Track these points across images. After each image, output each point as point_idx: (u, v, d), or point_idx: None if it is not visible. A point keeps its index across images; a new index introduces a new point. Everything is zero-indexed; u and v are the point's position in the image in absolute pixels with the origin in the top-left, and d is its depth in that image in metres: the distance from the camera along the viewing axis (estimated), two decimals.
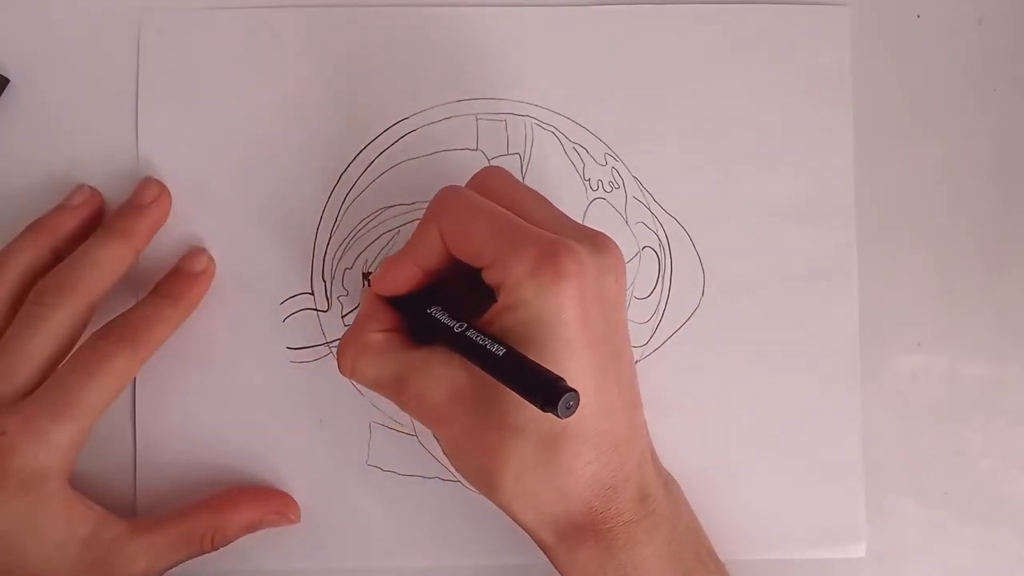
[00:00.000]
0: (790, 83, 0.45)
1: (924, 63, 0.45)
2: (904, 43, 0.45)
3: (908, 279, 0.45)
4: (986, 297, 0.45)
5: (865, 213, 0.45)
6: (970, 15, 0.45)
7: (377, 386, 0.38)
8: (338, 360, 0.39)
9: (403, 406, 0.38)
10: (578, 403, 0.32)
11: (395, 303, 0.39)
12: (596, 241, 0.37)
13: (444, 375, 0.37)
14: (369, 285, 0.40)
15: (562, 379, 0.33)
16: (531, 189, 0.39)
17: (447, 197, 0.38)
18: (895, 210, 0.45)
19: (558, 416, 0.32)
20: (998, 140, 0.45)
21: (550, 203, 0.39)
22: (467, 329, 0.36)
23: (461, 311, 0.37)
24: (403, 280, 0.39)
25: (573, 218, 0.39)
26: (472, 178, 0.40)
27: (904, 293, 0.45)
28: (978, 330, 0.45)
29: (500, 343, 0.35)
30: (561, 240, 0.35)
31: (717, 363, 0.44)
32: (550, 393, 0.32)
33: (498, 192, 0.38)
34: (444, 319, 0.37)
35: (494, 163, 0.44)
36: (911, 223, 0.45)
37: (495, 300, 0.36)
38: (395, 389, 0.38)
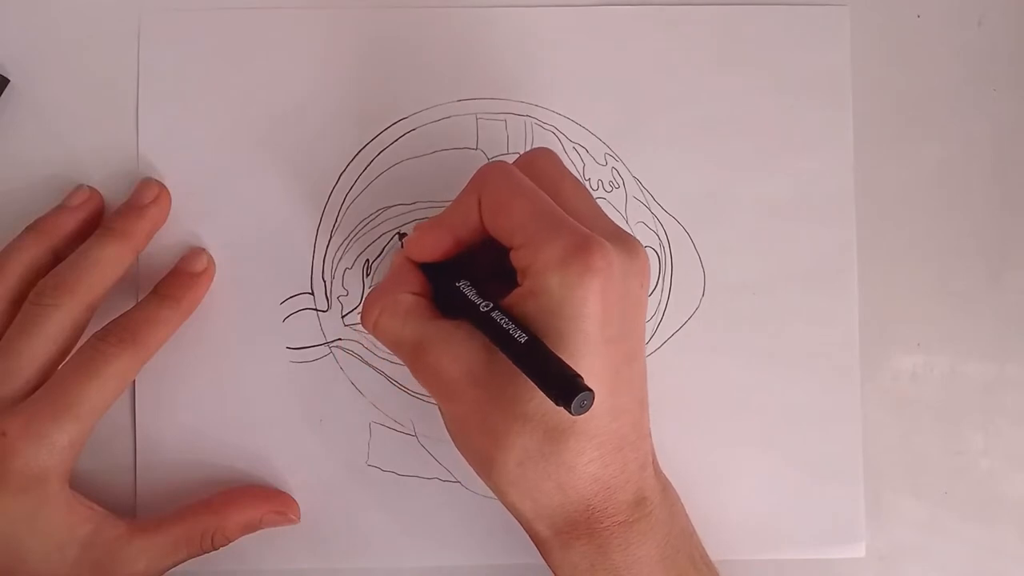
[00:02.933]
0: (790, 83, 0.45)
1: (924, 63, 0.45)
2: (904, 43, 0.45)
3: (908, 279, 0.45)
4: (986, 297, 0.45)
5: (865, 213, 0.45)
6: (970, 15, 0.45)
7: (396, 346, 0.38)
8: (363, 313, 0.38)
9: (415, 373, 0.38)
10: (592, 402, 0.32)
11: (424, 269, 0.39)
12: (627, 243, 0.37)
13: (463, 352, 0.36)
14: (403, 246, 0.40)
15: (580, 377, 0.33)
16: (576, 179, 0.39)
17: (492, 171, 0.38)
18: (895, 210, 0.45)
19: (571, 413, 0.32)
20: (998, 140, 0.45)
21: (591, 196, 0.39)
22: (493, 310, 0.36)
23: (486, 290, 0.37)
24: (435, 246, 0.38)
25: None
26: (522, 156, 0.40)
27: (904, 293, 0.45)
28: (978, 330, 0.45)
29: (524, 330, 0.35)
30: (594, 236, 0.35)
31: (717, 363, 0.44)
32: (567, 388, 0.32)
33: (542, 175, 0.38)
34: (472, 295, 0.37)
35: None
36: (911, 223, 0.45)
37: (516, 287, 0.36)
38: (412, 354, 0.38)
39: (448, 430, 0.39)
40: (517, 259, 0.36)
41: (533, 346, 0.34)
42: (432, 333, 0.37)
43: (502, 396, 0.36)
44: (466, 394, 0.36)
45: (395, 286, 0.39)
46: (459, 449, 0.38)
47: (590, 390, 0.32)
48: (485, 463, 0.37)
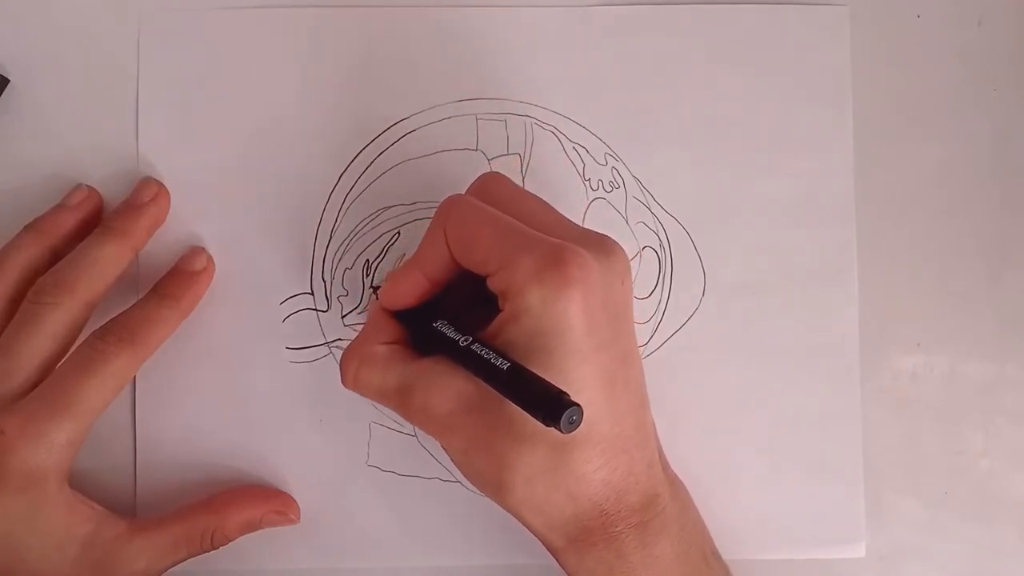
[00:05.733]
0: (790, 83, 0.45)
1: (924, 63, 0.45)
2: (904, 43, 0.45)
3: (908, 279, 0.45)
4: (986, 297, 0.45)
5: (865, 213, 0.45)
6: (970, 15, 0.45)
7: (381, 397, 0.38)
8: (341, 371, 0.39)
9: (409, 418, 0.38)
10: (582, 417, 0.32)
11: (400, 316, 0.39)
12: (601, 244, 0.37)
13: (449, 385, 0.36)
14: (378, 298, 0.40)
15: (565, 394, 0.33)
16: (532, 194, 0.39)
17: (452, 205, 0.38)
18: (895, 210, 0.45)
19: (561, 431, 0.32)
20: (998, 140, 0.45)
21: (552, 207, 0.39)
22: (472, 343, 0.36)
23: (466, 323, 0.37)
24: (410, 292, 0.38)
25: (574, 219, 0.39)
26: (472, 185, 0.39)
27: (904, 293, 0.45)
28: (978, 330, 0.45)
29: (504, 357, 0.35)
30: (566, 245, 0.35)
31: (717, 363, 0.44)
32: (553, 408, 0.32)
33: (500, 198, 0.38)
34: (450, 333, 0.37)
35: (494, 163, 0.44)
36: (911, 223, 0.45)
37: (499, 312, 0.36)
38: (400, 400, 0.38)
39: (453, 462, 0.39)
40: (495, 284, 0.36)
41: (515, 372, 0.34)
42: (414, 374, 0.37)
43: (499, 420, 0.36)
44: (462, 424, 0.36)
45: (368, 339, 0.39)
46: (468, 477, 0.38)
47: (577, 405, 0.32)
48: (494, 486, 0.37)
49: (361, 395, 0.39)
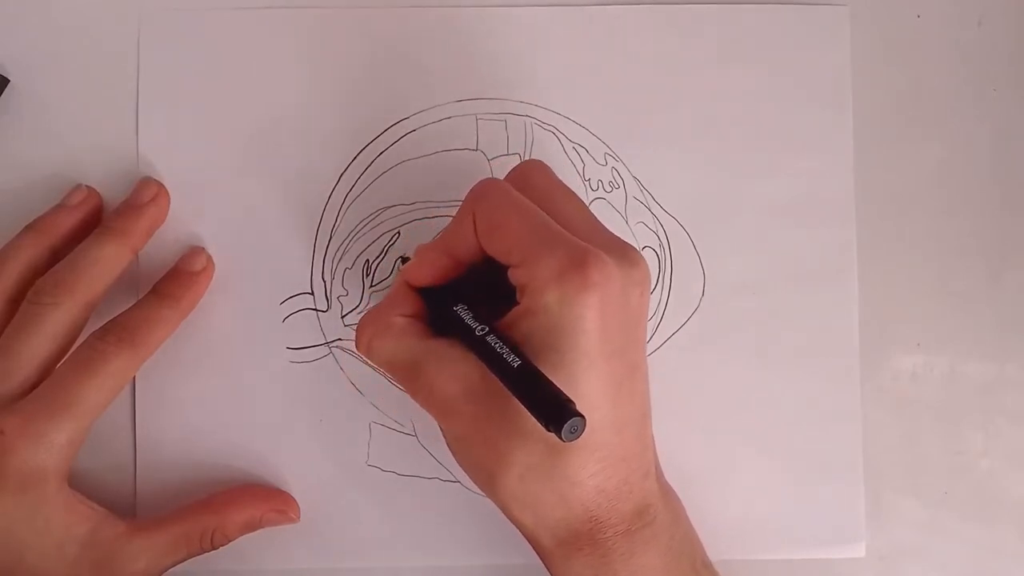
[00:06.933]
0: (790, 83, 0.45)
1: (924, 63, 0.45)
2: (904, 43, 0.45)
3: (908, 279, 0.45)
4: (986, 297, 0.45)
5: (865, 213, 0.45)
6: (970, 15, 0.45)
7: (390, 368, 0.38)
8: (356, 336, 0.38)
9: (413, 394, 0.38)
10: (584, 428, 0.32)
11: (422, 292, 0.39)
12: (626, 253, 0.37)
13: (458, 370, 0.36)
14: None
15: (572, 402, 0.33)
16: (569, 190, 0.39)
17: (485, 190, 0.37)
18: (895, 210, 0.45)
19: (561, 439, 0.32)
20: (998, 140, 0.45)
21: (586, 207, 0.39)
22: (488, 333, 0.36)
23: (485, 308, 0.37)
24: (434, 269, 0.38)
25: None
26: (513, 170, 0.39)
27: (904, 293, 0.45)
28: (978, 330, 0.45)
29: (518, 354, 0.34)
30: (590, 249, 0.35)
31: (717, 363, 0.44)
32: (558, 414, 0.32)
33: (536, 189, 0.38)
34: (468, 319, 0.37)
35: (494, 163, 0.44)
36: (911, 223, 0.45)
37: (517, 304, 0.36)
38: (408, 375, 0.37)
39: (449, 447, 0.39)
40: (515, 277, 0.36)
41: (525, 370, 0.34)
42: (426, 352, 0.37)
43: (502, 413, 0.35)
44: (464, 411, 0.36)
45: (388, 309, 0.38)
46: (460, 464, 0.38)
47: (581, 416, 0.32)
48: (487, 478, 0.37)
49: (371, 362, 0.38)
